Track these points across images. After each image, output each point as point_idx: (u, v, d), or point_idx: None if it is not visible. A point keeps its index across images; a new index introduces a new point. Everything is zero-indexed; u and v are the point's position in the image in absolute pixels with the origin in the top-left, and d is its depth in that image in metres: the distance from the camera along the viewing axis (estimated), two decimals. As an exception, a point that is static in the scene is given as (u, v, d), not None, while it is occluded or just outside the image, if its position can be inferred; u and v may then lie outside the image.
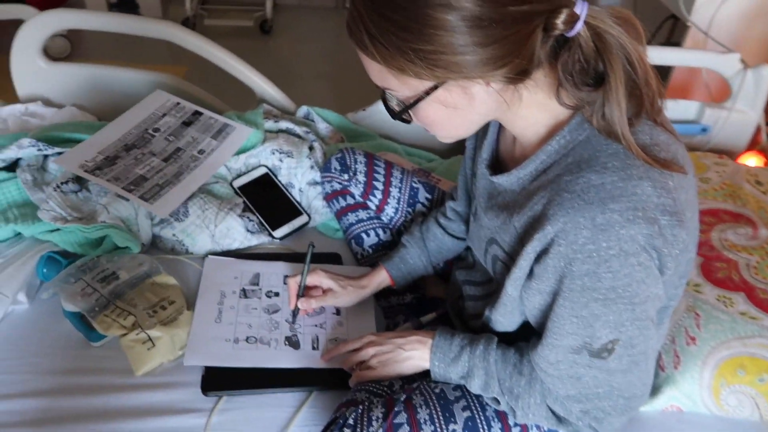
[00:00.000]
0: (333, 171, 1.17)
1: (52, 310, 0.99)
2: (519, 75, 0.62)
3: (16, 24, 2.34)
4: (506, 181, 0.75)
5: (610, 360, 0.67)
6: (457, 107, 0.66)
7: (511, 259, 0.74)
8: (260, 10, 3.25)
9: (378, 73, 0.65)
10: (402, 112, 0.69)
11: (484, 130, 0.83)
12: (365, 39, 0.61)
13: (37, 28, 1.42)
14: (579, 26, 0.60)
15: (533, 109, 0.68)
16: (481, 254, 0.85)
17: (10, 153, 1.14)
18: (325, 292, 1.01)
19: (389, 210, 1.14)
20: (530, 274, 0.69)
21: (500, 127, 0.82)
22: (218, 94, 1.58)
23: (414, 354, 0.84)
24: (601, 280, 0.62)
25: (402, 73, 0.62)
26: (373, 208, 1.15)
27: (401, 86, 0.65)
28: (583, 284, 0.63)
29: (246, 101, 1.55)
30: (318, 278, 1.00)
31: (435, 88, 0.63)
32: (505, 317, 0.78)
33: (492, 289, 0.84)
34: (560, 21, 0.59)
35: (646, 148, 0.63)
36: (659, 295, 0.66)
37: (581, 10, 0.59)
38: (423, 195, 1.14)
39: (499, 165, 0.82)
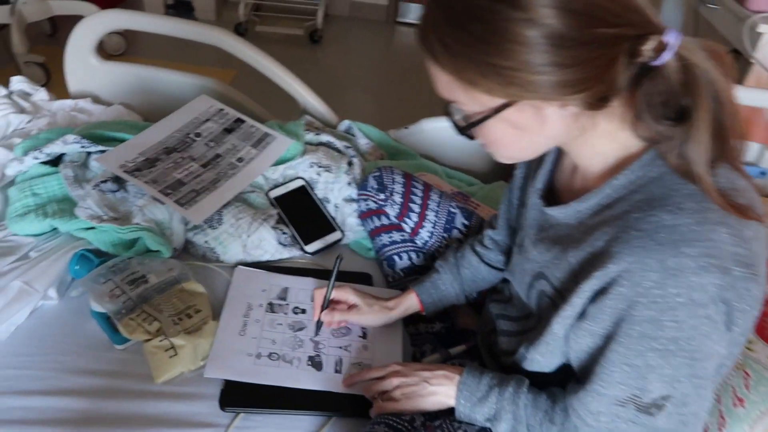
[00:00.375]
0: (369, 189, 1.15)
1: (79, 308, 0.99)
2: (598, 101, 0.58)
3: (77, 19, 2.40)
4: (562, 213, 0.71)
5: (659, 417, 0.62)
6: (526, 129, 0.62)
7: (560, 295, 0.70)
8: (311, 19, 3.28)
9: (446, 84, 0.62)
10: (467, 128, 0.65)
11: (539, 157, 0.79)
12: (437, 47, 0.59)
13: (92, 27, 1.45)
14: (667, 56, 0.56)
15: (604, 139, 0.65)
16: (524, 288, 0.81)
17: (55, 148, 1.16)
18: (350, 308, 0.98)
19: (424, 233, 1.11)
20: (582, 313, 0.65)
21: (559, 156, 0.78)
22: (263, 101, 1.58)
23: (440, 390, 0.80)
24: (663, 329, 0.58)
25: (473, 87, 0.59)
26: (408, 230, 1.12)
27: (469, 101, 0.62)
28: (643, 331, 0.59)
29: (290, 110, 1.55)
30: (345, 293, 0.98)
31: (506, 106, 0.60)
32: (544, 356, 0.74)
33: (529, 325, 0.80)
34: (648, 48, 0.56)
35: (725, 192, 0.58)
36: (721, 353, 0.61)
37: (672, 39, 0.56)
38: (460, 220, 1.11)
39: (552, 196, 0.78)
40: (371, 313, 0.98)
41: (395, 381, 0.84)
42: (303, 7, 3.30)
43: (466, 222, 1.11)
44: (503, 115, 0.61)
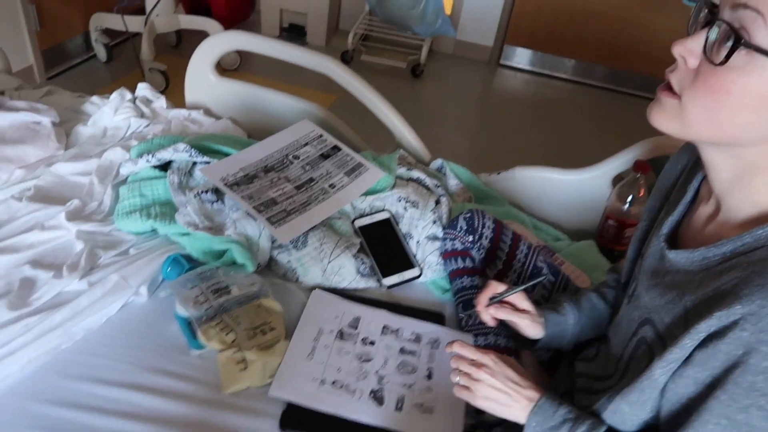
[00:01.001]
0: (458, 230, 1.14)
1: (165, 309, 1.04)
2: None
3: (200, 33, 2.58)
4: (687, 259, 0.67)
5: None
6: (761, 105, 0.56)
7: (661, 342, 0.66)
8: (415, 53, 3.36)
9: None
10: (728, 50, 0.56)
11: (671, 204, 0.78)
12: None
13: (214, 46, 1.56)
14: None
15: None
16: (625, 339, 0.77)
17: (166, 154, 1.24)
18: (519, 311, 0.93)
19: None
20: (688, 358, 0.61)
21: (693, 203, 0.76)
22: (360, 128, 1.62)
23: (516, 405, 0.78)
24: None
25: None
26: (491, 277, 1.10)
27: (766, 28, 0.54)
28: (754, 382, 0.55)
29: (385, 141, 1.58)
30: (520, 299, 0.93)
31: None
32: (632, 406, 0.69)
33: (610, 384, 0.77)
34: None
35: None
36: None
37: None
38: (546, 276, 1.08)
39: (674, 243, 0.75)
40: (536, 324, 0.92)
41: (483, 376, 0.80)
42: (409, 41, 3.38)
43: (552, 278, 1.08)
44: None
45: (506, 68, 3.58)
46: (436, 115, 3.05)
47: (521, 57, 3.55)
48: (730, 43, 0.55)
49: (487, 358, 0.81)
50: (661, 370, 0.64)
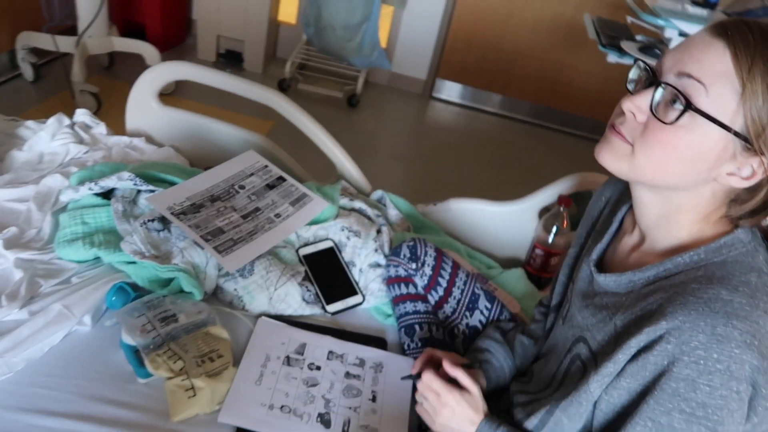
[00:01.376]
0: (402, 257, 1.21)
1: (110, 338, 1.04)
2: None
3: (132, 56, 2.54)
4: (614, 282, 0.76)
5: None
6: (701, 161, 0.66)
7: (594, 359, 0.75)
8: (351, 84, 3.45)
9: (715, 66, 0.63)
10: (678, 112, 0.65)
11: (596, 233, 0.88)
12: (750, 39, 0.62)
13: (158, 76, 1.57)
14: None
15: (692, 221, 0.72)
16: (559, 356, 0.85)
17: (110, 182, 1.24)
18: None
19: (447, 308, 1.16)
20: (621, 371, 0.69)
21: (617, 233, 0.85)
22: (299, 155, 1.67)
23: (457, 425, 0.86)
24: (696, 391, 0.61)
25: (740, 93, 0.62)
26: (432, 302, 1.17)
27: (715, 98, 0.63)
28: (677, 389, 0.62)
29: (323, 168, 1.64)
30: (467, 380, 0.90)
31: (737, 135, 0.64)
32: (571, 420, 0.76)
33: (545, 395, 0.84)
34: None
35: None
36: None
37: None
38: (483, 303, 1.16)
39: (601, 268, 0.84)
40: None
41: (444, 413, 0.87)
42: (345, 71, 3.47)
43: (488, 305, 1.16)
44: (719, 137, 0.64)
45: (438, 101, 3.74)
46: (371, 144, 3.14)
47: (452, 90, 3.72)
48: (678, 106, 0.65)
49: (452, 398, 0.86)
50: (596, 383, 0.71)
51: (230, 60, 3.56)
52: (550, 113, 3.64)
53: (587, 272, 0.84)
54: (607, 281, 0.77)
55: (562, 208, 1.36)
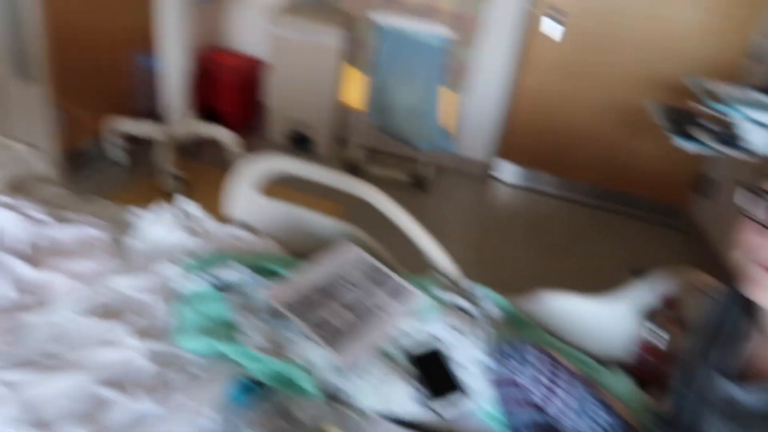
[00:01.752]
0: (506, 356, 1.21)
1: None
2: None
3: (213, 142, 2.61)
4: (755, 398, 0.75)
5: None
6: None
7: None
8: (417, 166, 3.54)
9: None
10: None
11: (726, 339, 0.86)
12: None
13: (257, 168, 1.68)
14: None
15: None
16: None
17: (225, 274, 1.30)
18: None
19: (566, 422, 1.13)
20: None
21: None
22: (377, 241, 1.70)
23: None
24: None
25: None
26: (545, 407, 1.15)
27: None
28: None
29: (406, 256, 1.65)
30: None
31: None
32: None
33: None
34: None
35: None
36: None
37: None
38: (603, 417, 1.12)
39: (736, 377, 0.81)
40: None
41: None
42: (410, 154, 3.58)
43: (609, 419, 1.12)
44: None
45: (499, 182, 3.79)
46: (438, 229, 3.18)
47: (511, 172, 3.77)
48: None
49: None
50: None
51: (300, 144, 3.71)
52: (608, 194, 3.65)
53: (720, 385, 0.81)
54: (749, 396, 0.75)
55: (671, 312, 1.34)
